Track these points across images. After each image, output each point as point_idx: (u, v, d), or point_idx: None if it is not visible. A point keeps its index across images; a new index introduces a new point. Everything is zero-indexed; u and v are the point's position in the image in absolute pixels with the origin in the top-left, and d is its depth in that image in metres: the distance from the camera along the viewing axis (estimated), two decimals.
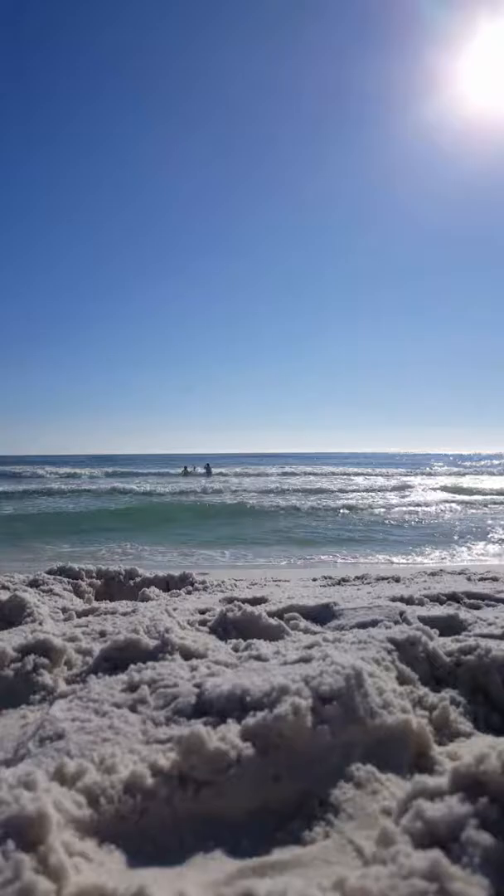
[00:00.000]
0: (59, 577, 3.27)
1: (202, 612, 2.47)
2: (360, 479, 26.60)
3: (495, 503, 14.64)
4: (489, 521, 11.09)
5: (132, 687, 1.40)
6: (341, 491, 19.56)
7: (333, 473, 31.24)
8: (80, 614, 2.55)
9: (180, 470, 32.72)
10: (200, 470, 32.22)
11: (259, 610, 2.18)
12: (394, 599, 2.46)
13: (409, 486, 21.40)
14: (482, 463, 51.00)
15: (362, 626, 2.00)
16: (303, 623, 2.18)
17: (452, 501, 15.25)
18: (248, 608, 2.17)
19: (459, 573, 3.82)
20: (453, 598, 2.66)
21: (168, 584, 3.40)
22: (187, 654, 1.64)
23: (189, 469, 32.53)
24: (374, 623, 2.00)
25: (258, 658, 1.63)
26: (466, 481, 24.12)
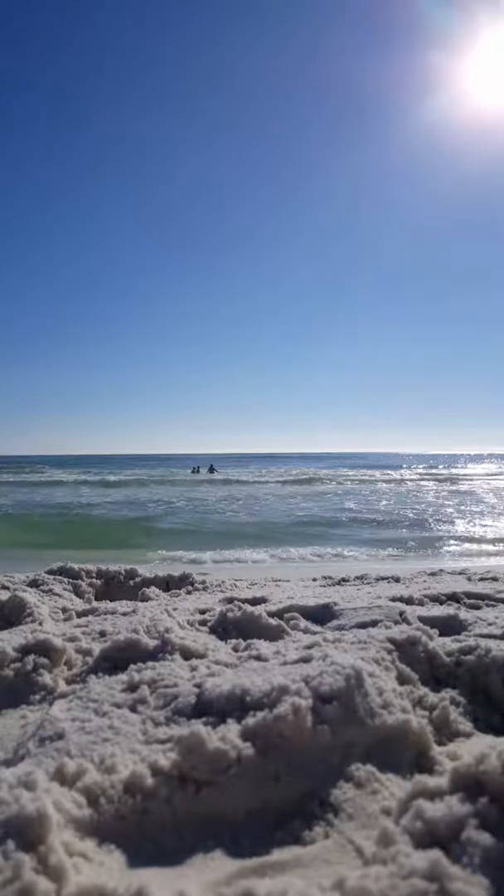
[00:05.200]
0: (58, 576, 3.26)
1: (202, 612, 2.47)
2: (359, 479, 26.62)
3: None
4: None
5: (132, 687, 1.40)
6: (341, 489, 19.54)
7: (330, 477, 31.29)
8: (80, 614, 2.55)
9: (190, 470, 35.56)
10: (205, 471, 34.55)
11: (259, 610, 2.18)
12: (394, 599, 2.46)
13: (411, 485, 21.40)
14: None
15: (362, 626, 2.00)
16: (303, 623, 2.18)
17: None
18: (248, 608, 2.17)
19: (459, 573, 3.81)
20: (453, 598, 2.65)
21: (168, 584, 3.40)
22: (187, 654, 1.64)
23: (197, 469, 35.21)
24: (374, 623, 2.00)
25: (258, 658, 1.62)
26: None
